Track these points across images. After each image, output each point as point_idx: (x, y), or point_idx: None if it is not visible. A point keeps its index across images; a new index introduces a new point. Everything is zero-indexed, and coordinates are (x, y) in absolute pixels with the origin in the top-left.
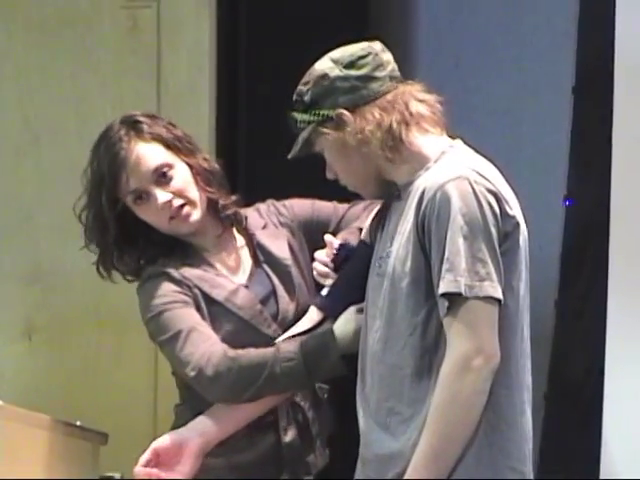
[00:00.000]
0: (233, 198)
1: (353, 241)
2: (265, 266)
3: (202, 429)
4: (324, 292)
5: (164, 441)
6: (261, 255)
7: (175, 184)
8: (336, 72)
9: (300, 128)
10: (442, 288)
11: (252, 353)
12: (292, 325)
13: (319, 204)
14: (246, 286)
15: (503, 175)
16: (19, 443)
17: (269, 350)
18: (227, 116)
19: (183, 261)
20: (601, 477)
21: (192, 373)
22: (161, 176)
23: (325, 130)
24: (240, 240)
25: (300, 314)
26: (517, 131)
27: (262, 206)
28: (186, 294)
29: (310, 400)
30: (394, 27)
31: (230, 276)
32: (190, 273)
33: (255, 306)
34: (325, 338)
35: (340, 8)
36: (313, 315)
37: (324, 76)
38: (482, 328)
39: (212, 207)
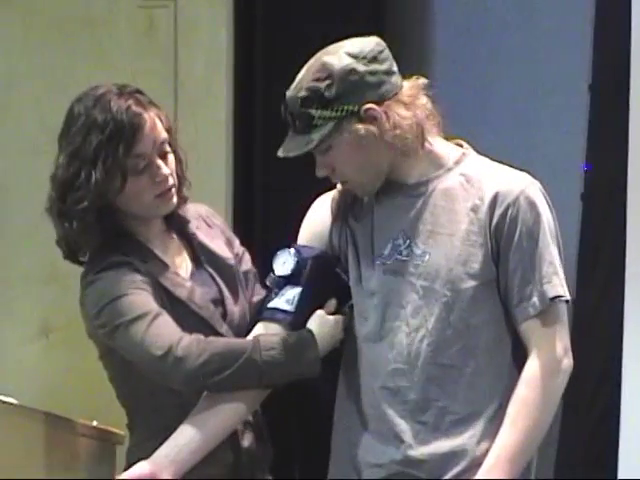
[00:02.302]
0: (186, 198)
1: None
2: (207, 266)
3: (173, 457)
4: (289, 307)
5: (137, 471)
6: (202, 255)
7: (170, 163)
8: (363, 67)
9: (315, 125)
10: (552, 291)
11: (229, 340)
12: (239, 327)
13: (228, 231)
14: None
15: None
16: (35, 443)
17: (247, 339)
18: (244, 115)
19: (142, 257)
20: None
21: (158, 352)
22: (163, 150)
23: (358, 126)
24: (176, 240)
25: (243, 315)
26: (533, 130)
27: (189, 207)
28: (149, 286)
29: None
30: (409, 28)
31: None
32: (153, 269)
33: (210, 306)
34: (304, 336)
35: (357, 6)
36: (275, 329)
37: (352, 71)
38: (565, 330)
39: None
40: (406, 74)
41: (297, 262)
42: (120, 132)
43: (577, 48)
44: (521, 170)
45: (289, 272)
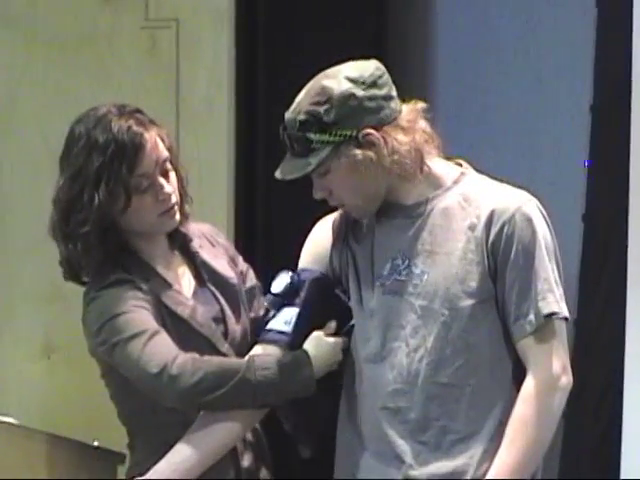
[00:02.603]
0: (187, 214)
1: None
2: (210, 285)
3: (169, 474)
4: (286, 328)
5: None
6: (205, 273)
7: (172, 181)
8: (361, 92)
9: (313, 149)
10: (546, 308)
11: (223, 359)
12: (241, 346)
13: (232, 249)
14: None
15: None
16: (36, 463)
17: (242, 360)
18: (246, 134)
19: (143, 276)
20: None
21: (154, 370)
22: (165, 169)
23: (356, 151)
24: (179, 257)
25: (244, 334)
26: (535, 149)
27: (192, 225)
28: (150, 305)
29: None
30: (413, 45)
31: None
32: (155, 287)
33: (211, 324)
34: (299, 356)
35: (359, 25)
36: (272, 350)
37: (351, 96)
38: (564, 347)
39: None
40: (405, 97)
41: (291, 281)
42: (122, 152)
43: (579, 68)
44: (522, 189)
45: (281, 290)
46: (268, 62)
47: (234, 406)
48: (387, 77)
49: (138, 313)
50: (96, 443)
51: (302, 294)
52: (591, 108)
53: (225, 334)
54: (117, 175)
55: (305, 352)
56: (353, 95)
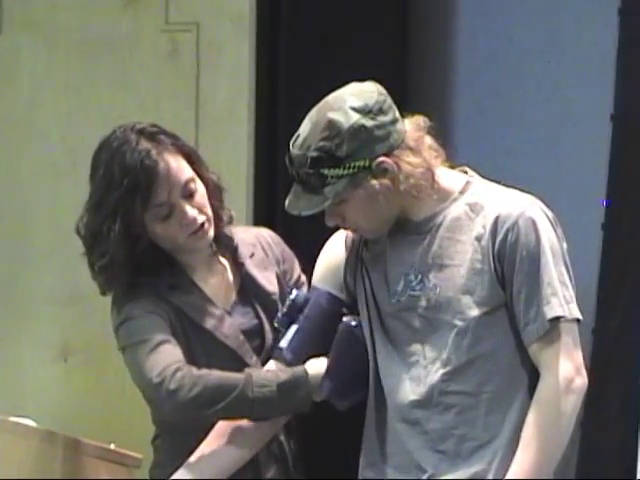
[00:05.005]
0: (230, 216)
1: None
2: (252, 299)
3: None
4: (284, 344)
5: None
6: (249, 286)
7: (198, 199)
8: (370, 122)
9: (327, 183)
10: (550, 312)
11: (221, 374)
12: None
13: (293, 258)
14: (228, 313)
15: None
16: (53, 466)
17: (239, 374)
18: (266, 140)
19: (171, 282)
20: None
21: (154, 381)
22: (188, 190)
23: (372, 182)
24: (225, 264)
25: None
26: (556, 159)
27: (252, 230)
28: (168, 312)
29: (285, 432)
30: (433, 55)
31: (215, 300)
32: (179, 298)
33: (239, 336)
34: (298, 374)
35: (381, 37)
36: (273, 366)
37: (360, 128)
38: (576, 349)
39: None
40: (425, 107)
41: (293, 300)
42: (136, 186)
43: (600, 77)
44: (542, 198)
45: (285, 309)
46: (289, 68)
47: (231, 419)
48: (389, 100)
49: (148, 319)
50: (113, 446)
51: (305, 311)
52: (612, 117)
53: (260, 348)
54: (132, 209)
55: (304, 371)
56: (363, 126)
